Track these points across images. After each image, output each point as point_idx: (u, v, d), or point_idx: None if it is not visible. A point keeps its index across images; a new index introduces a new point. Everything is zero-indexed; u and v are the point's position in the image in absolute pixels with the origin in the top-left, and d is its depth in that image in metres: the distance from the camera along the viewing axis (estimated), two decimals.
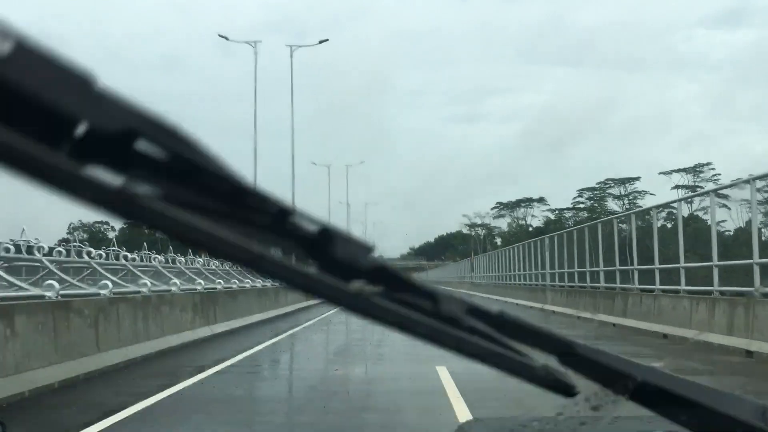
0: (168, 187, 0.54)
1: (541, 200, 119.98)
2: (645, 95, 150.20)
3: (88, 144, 0.49)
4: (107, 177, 0.50)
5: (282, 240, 0.59)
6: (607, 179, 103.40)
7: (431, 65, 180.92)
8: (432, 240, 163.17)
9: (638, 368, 0.75)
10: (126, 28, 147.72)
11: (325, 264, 0.60)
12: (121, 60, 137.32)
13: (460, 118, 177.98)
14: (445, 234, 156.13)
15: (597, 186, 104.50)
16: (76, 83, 0.48)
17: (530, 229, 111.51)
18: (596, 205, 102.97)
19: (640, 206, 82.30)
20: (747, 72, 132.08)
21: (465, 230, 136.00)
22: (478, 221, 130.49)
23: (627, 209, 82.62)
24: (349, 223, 75.33)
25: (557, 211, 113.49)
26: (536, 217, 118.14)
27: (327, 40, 41.77)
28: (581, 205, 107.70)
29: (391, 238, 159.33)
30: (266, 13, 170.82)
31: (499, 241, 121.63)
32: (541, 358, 0.71)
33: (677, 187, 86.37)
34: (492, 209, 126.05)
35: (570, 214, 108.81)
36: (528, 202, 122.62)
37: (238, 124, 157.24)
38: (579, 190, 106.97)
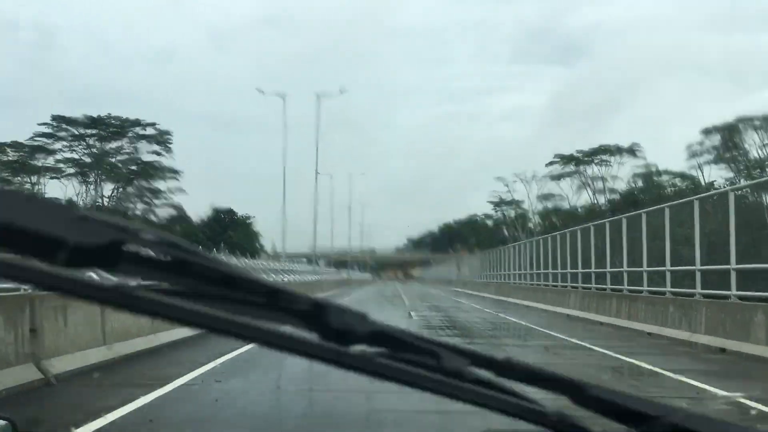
0: (163, 278, 0.60)
1: (631, 151, 66.41)
2: None
3: (80, 255, 0.57)
4: (106, 278, 0.59)
5: (279, 315, 0.63)
6: (740, 118, 53.90)
7: (427, 63, 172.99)
8: (436, 230, 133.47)
9: (661, 408, 0.73)
10: (119, 21, 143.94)
11: (324, 333, 0.64)
12: (114, 52, 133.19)
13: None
14: (452, 222, 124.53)
15: (724, 126, 54.47)
16: (57, 212, 0.58)
17: (607, 198, 67.28)
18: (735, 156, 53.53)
19: None
20: None
21: (490, 209, 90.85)
22: (517, 190, 78.82)
23: None
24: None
25: (654, 173, 63.42)
26: (620, 179, 67.32)
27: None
28: (705, 158, 56.02)
29: (384, 231, 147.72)
30: (261, 7, 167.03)
31: (533, 222, 75.91)
32: (551, 401, 0.72)
33: None
34: (548, 166, 73.46)
35: (673, 179, 60.03)
36: (608, 153, 68.32)
37: (231, 119, 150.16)
38: (704, 130, 56.04)
